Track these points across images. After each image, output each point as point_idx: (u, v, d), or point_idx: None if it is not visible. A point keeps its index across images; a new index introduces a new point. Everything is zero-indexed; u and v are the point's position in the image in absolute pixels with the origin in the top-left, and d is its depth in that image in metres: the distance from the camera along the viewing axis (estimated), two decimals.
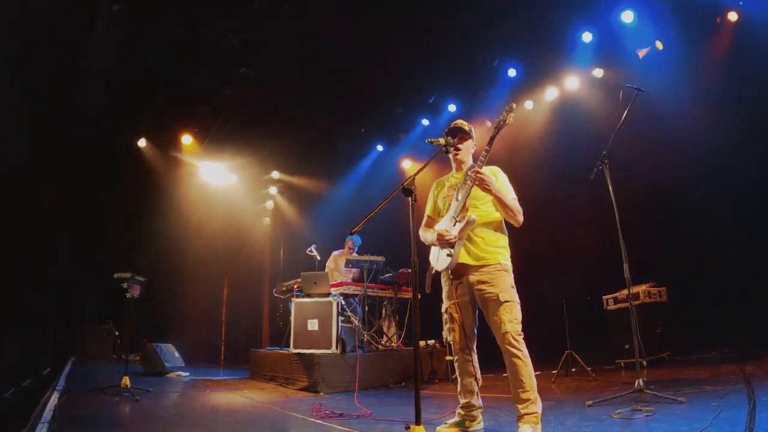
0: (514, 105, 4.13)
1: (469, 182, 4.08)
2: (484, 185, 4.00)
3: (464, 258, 4.11)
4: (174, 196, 12.26)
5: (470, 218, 4.06)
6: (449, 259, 4.11)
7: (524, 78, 10.10)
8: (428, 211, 4.58)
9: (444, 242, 4.14)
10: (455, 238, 4.10)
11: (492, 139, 4.09)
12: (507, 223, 4.28)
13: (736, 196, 7.76)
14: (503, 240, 4.23)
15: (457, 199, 4.18)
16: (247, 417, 5.46)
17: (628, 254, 5.03)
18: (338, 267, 9.15)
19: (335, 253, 9.52)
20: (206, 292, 13.44)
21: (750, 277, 7.36)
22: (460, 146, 4.34)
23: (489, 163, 4.16)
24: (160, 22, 8.19)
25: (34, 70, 7.56)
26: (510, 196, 4.18)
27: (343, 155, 13.13)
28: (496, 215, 4.21)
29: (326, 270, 9.17)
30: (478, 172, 3.99)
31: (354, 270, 8.88)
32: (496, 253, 4.12)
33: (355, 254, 9.19)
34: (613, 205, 5.14)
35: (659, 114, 7.96)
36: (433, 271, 4.39)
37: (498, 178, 4.28)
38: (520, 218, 4.15)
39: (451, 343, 4.34)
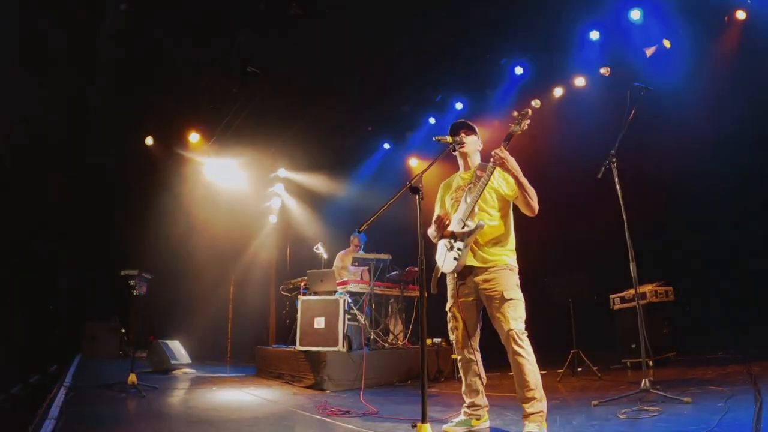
0: (530, 110, 4.10)
1: (479, 183, 4.07)
2: (504, 165, 3.99)
3: (470, 260, 4.13)
4: (181, 193, 12.29)
5: (478, 224, 4.05)
6: (455, 262, 4.12)
7: (531, 76, 10.09)
8: (436, 216, 4.57)
9: (442, 226, 4.17)
10: (449, 220, 4.14)
11: (507, 138, 4.05)
12: (517, 219, 4.29)
13: (745, 195, 7.73)
14: (510, 245, 4.24)
15: (466, 202, 4.18)
16: (253, 414, 5.47)
17: (636, 253, 5.01)
18: (345, 266, 9.15)
19: (341, 252, 9.52)
20: (213, 290, 13.46)
21: (758, 278, 7.33)
22: (464, 140, 4.33)
23: None
24: (166, 20, 8.21)
25: (42, 67, 7.59)
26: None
27: (350, 153, 13.16)
28: (503, 222, 4.22)
29: (333, 269, 9.17)
30: (498, 152, 3.97)
31: (362, 268, 8.89)
32: (502, 255, 4.13)
33: (361, 251, 9.18)
34: (620, 204, 5.13)
35: (667, 113, 7.91)
36: (439, 274, 4.39)
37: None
38: (536, 206, 4.13)
39: (454, 342, 4.35)
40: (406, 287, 8.88)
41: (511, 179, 4.09)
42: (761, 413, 3.76)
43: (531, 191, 4.11)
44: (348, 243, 9.60)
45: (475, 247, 4.14)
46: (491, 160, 4.02)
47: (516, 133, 4.05)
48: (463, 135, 4.33)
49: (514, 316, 3.93)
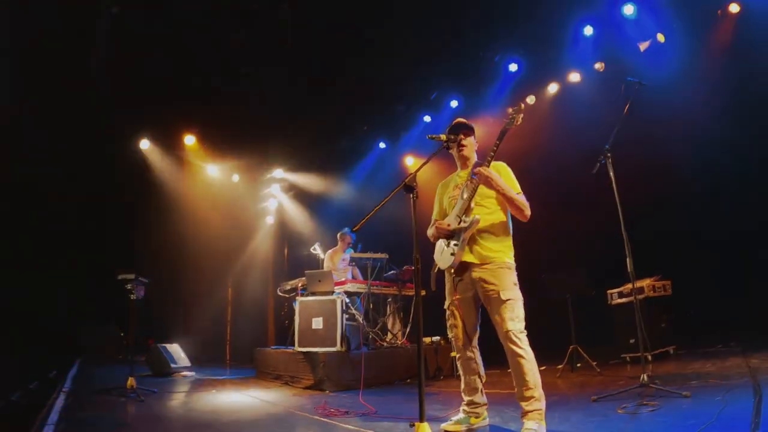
0: (523, 105, 4.12)
1: (475, 180, 4.07)
2: (489, 183, 4.00)
3: (468, 257, 4.12)
4: (177, 196, 12.26)
5: (474, 219, 4.06)
6: (452, 257, 4.11)
7: (526, 73, 10.07)
8: (435, 215, 4.57)
9: (443, 233, 4.19)
10: (449, 226, 4.14)
11: (501, 136, 4.08)
12: (513, 219, 4.29)
13: (740, 188, 7.73)
14: (507, 240, 4.22)
15: (462, 198, 4.17)
16: (253, 416, 5.47)
17: (632, 248, 5.01)
18: (334, 265, 9.11)
19: (329, 251, 9.48)
20: (211, 292, 13.43)
21: (755, 270, 7.34)
22: (464, 142, 4.33)
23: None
24: (160, 22, 8.20)
25: (38, 70, 7.56)
26: (515, 190, 4.17)
27: (345, 153, 13.13)
28: (501, 216, 4.20)
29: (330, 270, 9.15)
30: (483, 170, 3.98)
31: (351, 266, 8.88)
32: (500, 252, 4.11)
33: (351, 249, 9.18)
34: (616, 199, 5.13)
35: (661, 107, 7.92)
36: (436, 270, 4.39)
37: (506, 172, 4.27)
38: (528, 213, 4.14)
39: (453, 339, 4.35)
40: (404, 286, 8.88)
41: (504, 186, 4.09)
42: (760, 406, 3.76)
43: (520, 201, 4.11)
44: (336, 241, 9.55)
45: (473, 242, 4.13)
46: (476, 176, 4.03)
47: (509, 128, 4.06)
48: (462, 137, 4.33)
49: (512, 317, 3.91)
